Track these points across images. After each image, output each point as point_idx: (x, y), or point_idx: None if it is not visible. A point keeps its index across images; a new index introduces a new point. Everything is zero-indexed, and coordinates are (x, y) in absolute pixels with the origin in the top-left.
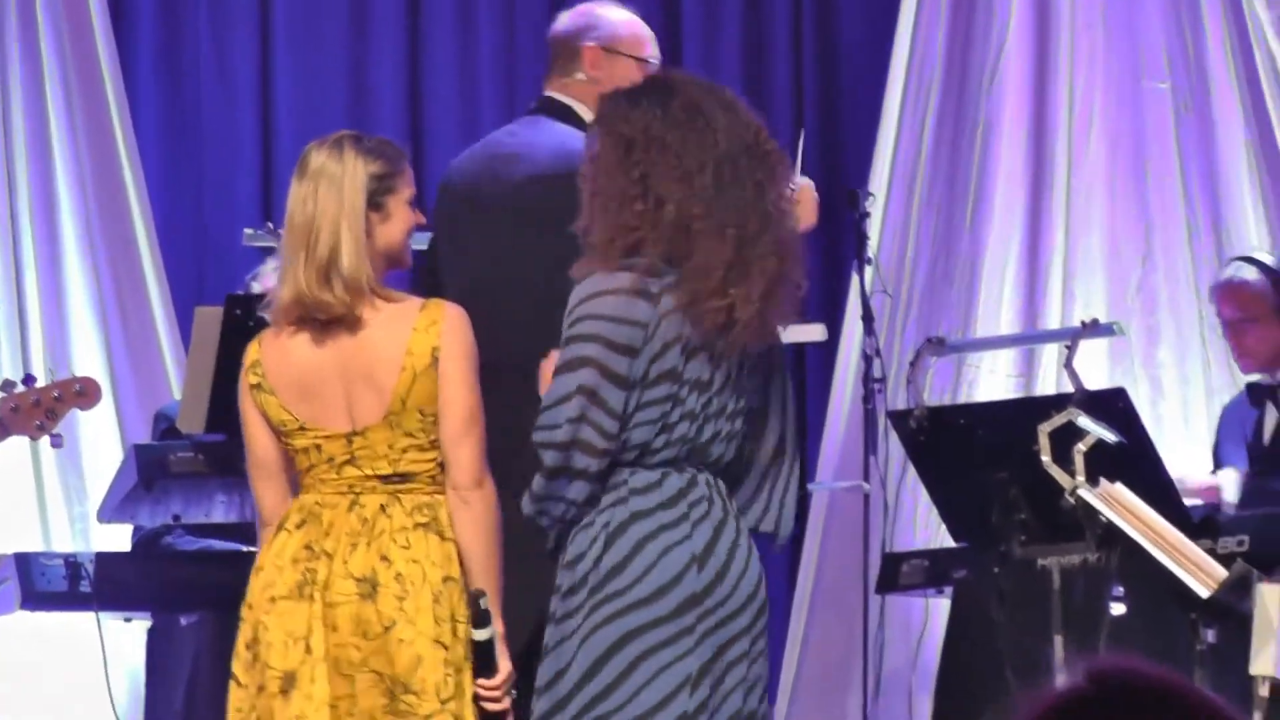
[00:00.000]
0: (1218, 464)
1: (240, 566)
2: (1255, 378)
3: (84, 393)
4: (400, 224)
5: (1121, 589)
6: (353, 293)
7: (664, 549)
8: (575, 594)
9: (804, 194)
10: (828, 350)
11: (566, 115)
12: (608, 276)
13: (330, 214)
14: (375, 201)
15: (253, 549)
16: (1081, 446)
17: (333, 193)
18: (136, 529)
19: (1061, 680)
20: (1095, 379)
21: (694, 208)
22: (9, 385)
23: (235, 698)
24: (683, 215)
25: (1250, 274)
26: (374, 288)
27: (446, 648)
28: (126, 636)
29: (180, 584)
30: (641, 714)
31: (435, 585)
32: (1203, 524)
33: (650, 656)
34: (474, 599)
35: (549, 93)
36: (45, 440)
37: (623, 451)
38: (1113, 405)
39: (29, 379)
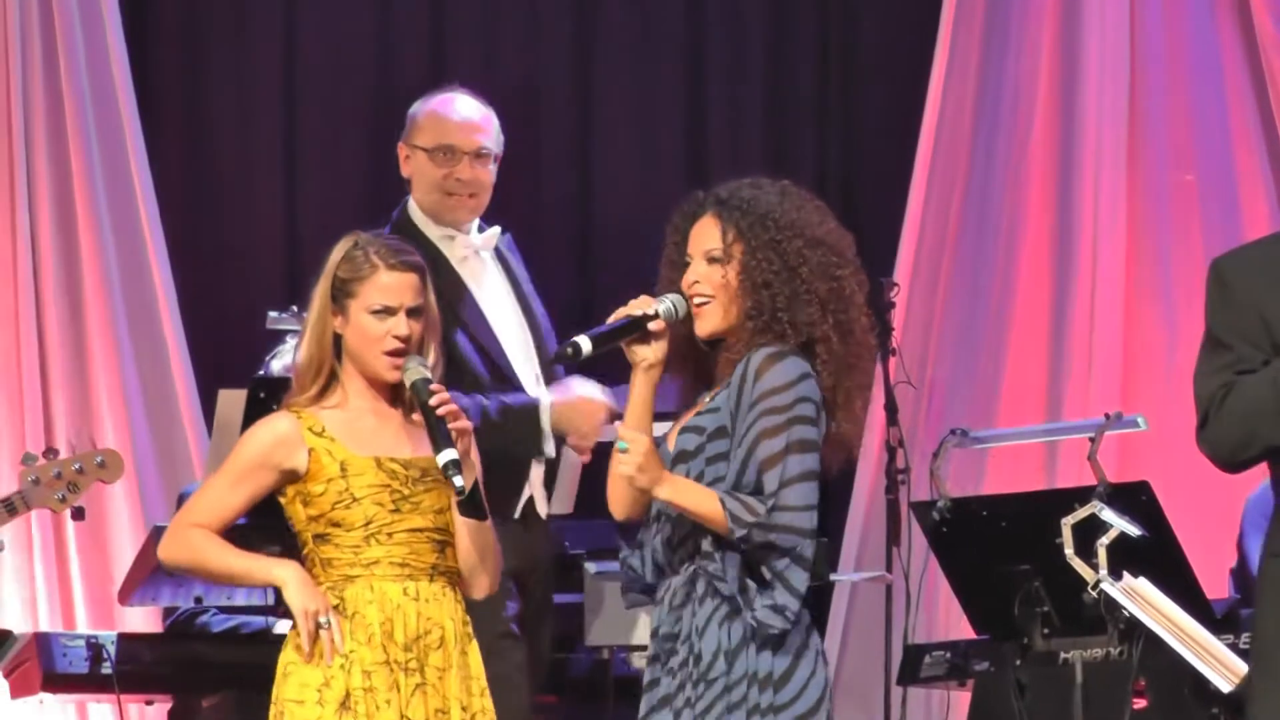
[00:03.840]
0: (1242, 556)
1: (266, 646)
2: None
3: (106, 465)
4: (358, 332)
5: (1143, 683)
6: (297, 382)
7: (813, 661)
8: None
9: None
10: None
11: (402, 221)
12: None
13: (312, 305)
14: (338, 303)
15: (282, 629)
16: (1105, 540)
17: (319, 285)
18: (168, 610)
19: None
20: (1118, 472)
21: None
22: (29, 458)
23: None
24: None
25: None
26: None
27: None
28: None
29: (204, 665)
30: None
31: None
32: (1225, 619)
33: None
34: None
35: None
36: (66, 514)
37: None
38: (1136, 498)
39: (50, 451)
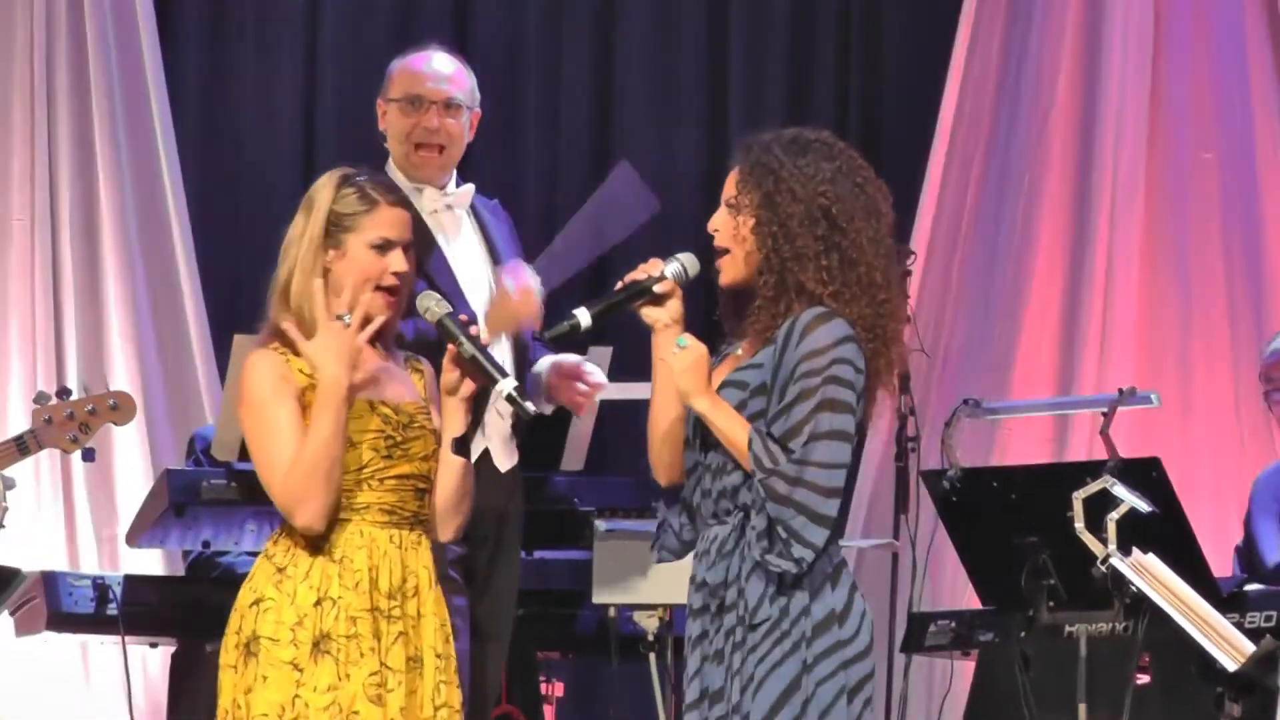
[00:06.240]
0: (1249, 535)
1: None
2: None
3: (118, 407)
4: (355, 266)
5: (1148, 658)
6: (299, 321)
7: (861, 598)
8: (786, 634)
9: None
10: None
11: None
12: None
13: (294, 239)
14: (333, 237)
15: None
16: (1114, 515)
17: (303, 219)
18: (186, 552)
19: None
20: (1129, 447)
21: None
22: (43, 397)
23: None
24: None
25: None
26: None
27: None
28: (151, 660)
29: (209, 609)
30: None
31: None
32: (1231, 598)
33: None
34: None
35: None
36: (77, 455)
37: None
38: (1147, 474)
39: (63, 391)
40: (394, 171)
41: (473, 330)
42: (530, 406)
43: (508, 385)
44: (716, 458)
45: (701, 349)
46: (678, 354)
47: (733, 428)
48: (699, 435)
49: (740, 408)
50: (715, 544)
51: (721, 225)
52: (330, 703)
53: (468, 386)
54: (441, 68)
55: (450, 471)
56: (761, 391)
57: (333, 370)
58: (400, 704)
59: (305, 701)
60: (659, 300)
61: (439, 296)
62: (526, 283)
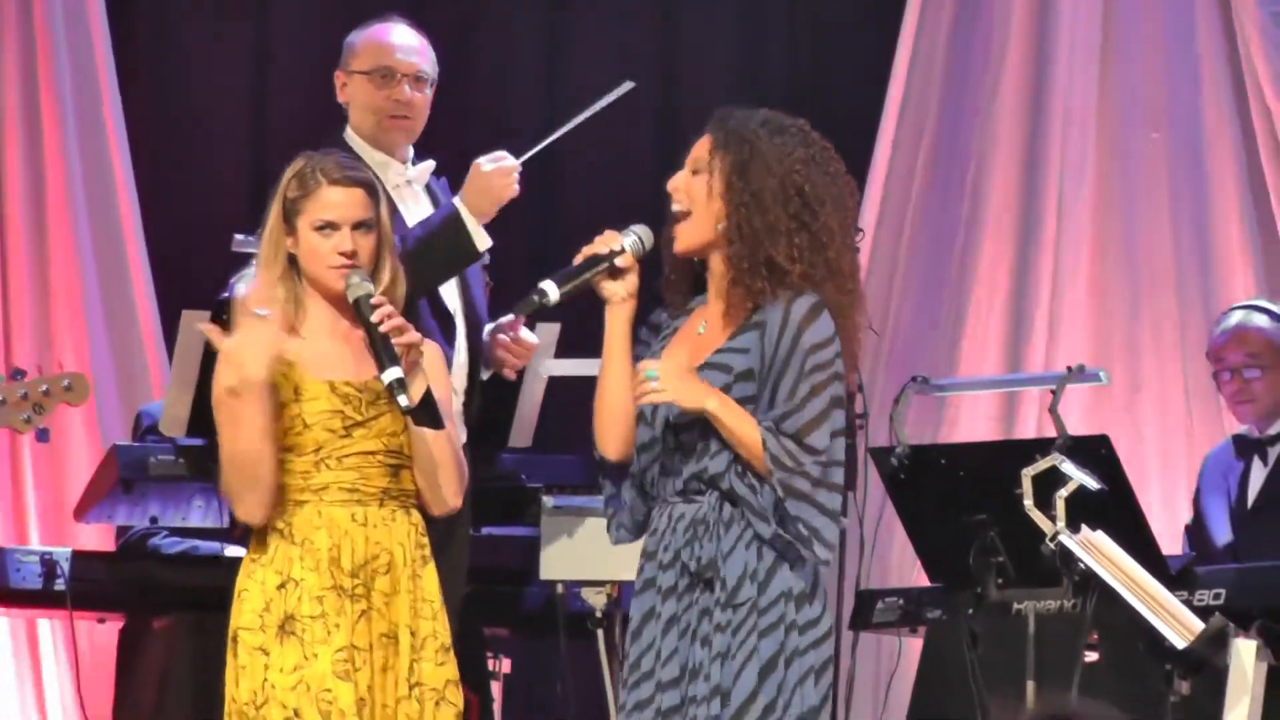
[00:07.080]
0: (1198, 514)
1: (220, 570)
2: (1242, 430)
3: (72, 388)
4: (306, 250)
5: (1096, 636)
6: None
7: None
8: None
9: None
10: None
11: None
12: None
13: (264, 227)
14: (289, 224)
15: (234, 553)
16: (1063, 492)
17: (269, 207)
18: (121, 530)
19: None
20: (1077, 426)
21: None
22: None
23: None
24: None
25: (1260, 320)
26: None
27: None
28: (98, 635)
29: (157, 586)
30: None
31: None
32: (1180, 575)
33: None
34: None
35: None
36: (29, 434)
37: None
38: (1095, 452)
39: (17, 372)
40: (354, 141)
41: (375, 317)
42: (404, 401)
43: (389, 375)
44: (690, 438)
45: (670, 363)
46: (660, 378)
47: (743, 426)
48: (659, 412)
49: (725, 391)
50: (683, 523)
51: (683, 186)
52: (297, 683)
53: (406, 361)
54: (408, 40)
55: (419, 443)
56: (748, 377)
57: (245, 371)
58: (368, 681)
59: (273, 684)
60: (617, 274)
61: (362, 276)
62: (505, 162)
